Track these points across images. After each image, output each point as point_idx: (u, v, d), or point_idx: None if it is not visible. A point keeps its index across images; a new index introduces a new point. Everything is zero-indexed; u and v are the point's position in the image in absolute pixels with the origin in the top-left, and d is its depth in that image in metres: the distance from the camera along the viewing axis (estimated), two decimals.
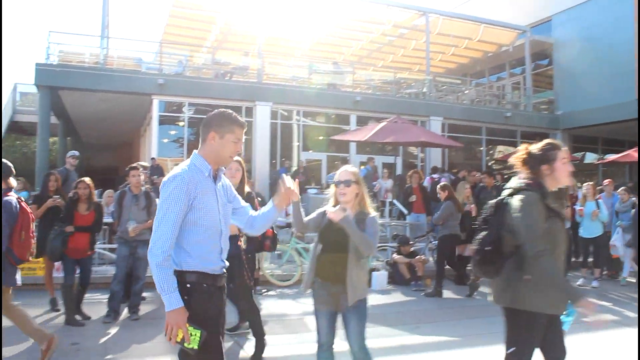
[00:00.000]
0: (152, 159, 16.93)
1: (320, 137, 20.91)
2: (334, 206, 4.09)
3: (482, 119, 22.09)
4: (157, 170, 15.51)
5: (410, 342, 6.48)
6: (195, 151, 3.16)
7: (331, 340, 4.15)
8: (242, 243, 5.44)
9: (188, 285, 2.98)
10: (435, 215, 9.74)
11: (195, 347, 2.87)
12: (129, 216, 7.23)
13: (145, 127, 21.05)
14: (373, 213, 4.15)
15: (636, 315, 7.68)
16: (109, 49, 20.09)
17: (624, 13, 20.81)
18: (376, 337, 6.30)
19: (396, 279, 10.15)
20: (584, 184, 10.95)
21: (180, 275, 2.98)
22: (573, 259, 11.43)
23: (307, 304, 8.49)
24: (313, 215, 4.27)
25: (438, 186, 10.02)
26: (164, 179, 3.06)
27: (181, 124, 18.98)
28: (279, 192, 3.40)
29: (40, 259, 7.80)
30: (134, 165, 7.61)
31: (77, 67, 17.79)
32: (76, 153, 11.00)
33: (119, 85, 17.19)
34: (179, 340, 2.85)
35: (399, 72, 24.68)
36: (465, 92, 24.25)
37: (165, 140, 19.18)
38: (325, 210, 4.15)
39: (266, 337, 5.59)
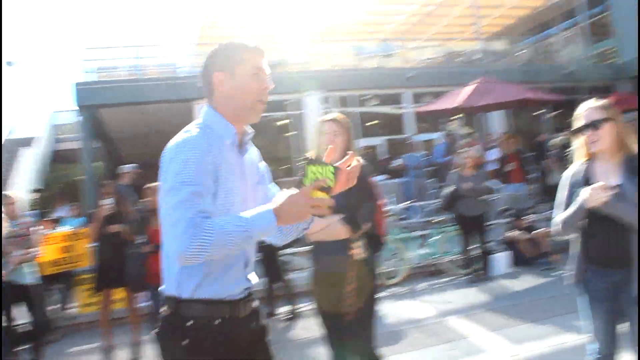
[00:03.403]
0: None
1: (376, 121, 19.68)
2: (587, 159, 3.04)
3: (542, 78, 20.49)
4: None
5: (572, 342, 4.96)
6: (205, 106, 2.13)
7: (613, 347, 2.95)
8: (356, 250, 3.26)
9: (190, 323, 1.96)
10: None
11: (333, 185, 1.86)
12: None
13: None
14: None
15: None
16: (144, 58, 19.21)
17: None
18: (529, 339, 5.14)
19: (516, 259, 8.73)
20: None
21: (177, 307, 1.99)
22: None
23: (434, 302, 7.19)
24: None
25: None
26: (167, 146, 2.00)
27: None
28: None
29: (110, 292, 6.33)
30: None
31: (114, 82, 17.02)
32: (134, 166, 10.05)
33: (158, 94, 16.24)
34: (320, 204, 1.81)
35: (444, 43, 23.25)
36: (521, 52, 22.73)
37: None
38: (571, 176, 3.10)
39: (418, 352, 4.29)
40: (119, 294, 6.49)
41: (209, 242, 1.76)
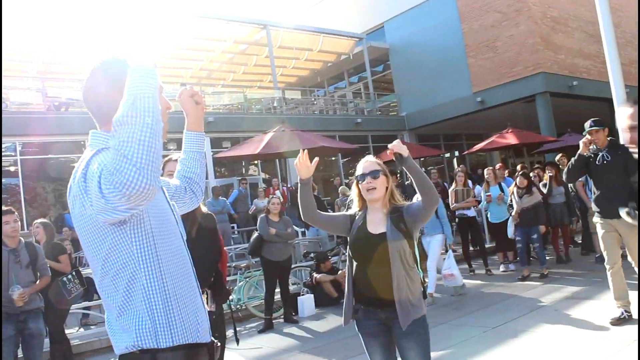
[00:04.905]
0: None
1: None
2: (361, 209, 3.32)
3: (335, 127, 21.92)
4: None
5: None
6: (96, 132, 1.85)
7: None
8: (207, 304, 3.35)
9: None
10: None
11: None
12: (11, 279, 5.32)
13: None
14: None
15: None
16: None
17: (450, 15, 21.76)
18: None
19: (321, 300, 9.02)
20: (485, 170, 10.76)
21: None
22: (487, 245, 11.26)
23: (244, 348, 7.03)
24: (333, 214, 3.39)
25: None
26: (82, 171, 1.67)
27: (12, 168, 16.19)
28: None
29: None
30: (8, 208, 5.66)
31: None
32: None
33: None
34: None
35: (241, 90, 23.76)
36: (315, 103, 24.07)
37: None
38: (352, 215, 3.32)
39: None
40: None
41: (145, 139, 1.54)
